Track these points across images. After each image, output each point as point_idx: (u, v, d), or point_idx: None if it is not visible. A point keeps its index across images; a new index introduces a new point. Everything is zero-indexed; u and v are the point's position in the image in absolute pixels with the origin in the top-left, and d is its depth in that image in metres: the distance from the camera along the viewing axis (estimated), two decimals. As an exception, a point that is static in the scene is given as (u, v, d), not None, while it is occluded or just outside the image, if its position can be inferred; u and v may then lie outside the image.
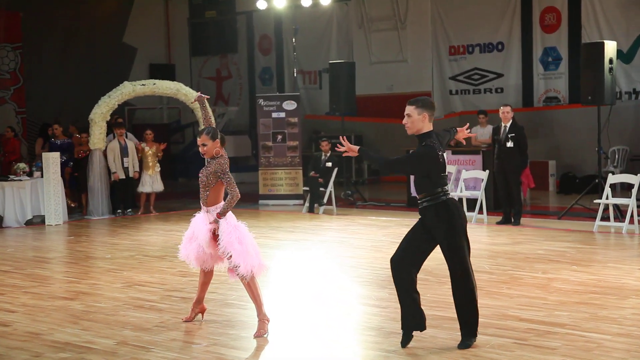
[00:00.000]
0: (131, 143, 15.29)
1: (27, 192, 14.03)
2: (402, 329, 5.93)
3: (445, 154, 5.94)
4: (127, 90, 15.24)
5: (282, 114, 16.82)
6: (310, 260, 10.09)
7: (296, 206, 16.26)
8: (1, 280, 9.01)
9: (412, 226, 5.94)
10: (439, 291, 7.84)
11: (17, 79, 19.87)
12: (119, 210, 15.19)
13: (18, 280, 8.98)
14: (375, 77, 21.04)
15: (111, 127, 15.29)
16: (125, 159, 15.05)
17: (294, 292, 8.16)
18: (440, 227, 5.75)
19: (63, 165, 14.66)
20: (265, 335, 6.32)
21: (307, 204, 15.20)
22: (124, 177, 15.06)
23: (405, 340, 5.92)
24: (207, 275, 6.85)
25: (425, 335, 6.22)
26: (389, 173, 6.48)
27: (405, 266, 5.82)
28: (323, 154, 15.42)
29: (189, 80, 23.35)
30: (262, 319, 6.43)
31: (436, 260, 9.48)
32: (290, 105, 16.86)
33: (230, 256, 6.43)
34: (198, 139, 6.61)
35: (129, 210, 15.29)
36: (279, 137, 16.86)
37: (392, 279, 8.27)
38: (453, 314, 6.88)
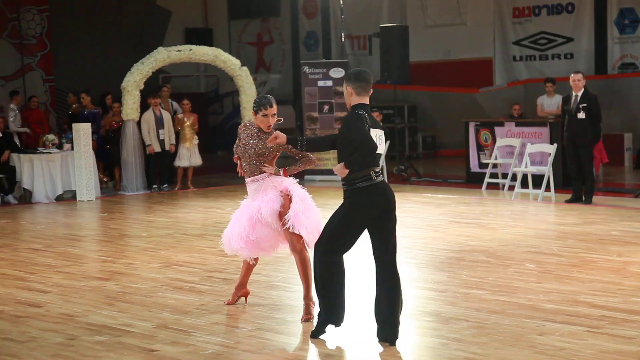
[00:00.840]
0: (167, 114, 15.44)
1: (57, 166, 14.28)
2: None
3: (380, 133, 5.75)
4: (162, 56, 15.37)
5: (329, 83, 16.82)
6: (360, 240, 10.09)
7: (344, 182, 16.28)
8: (32, 258, 9.23)
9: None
10: (502, 274, 7.82)
11: (44, 44, 20.10)
12: (154, 186, 15.39)
13: (50, 259, 9.18)
14: (430, 42, 20.89)
15: (145, 95, 15.44)
16: (160, 131, 15.22)
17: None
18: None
19: None
20: (312, 320, 6.38)
21: (356, 180, 15.18)
22: (159, 150, 15.23)
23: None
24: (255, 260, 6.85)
25: (488, 322, 6.23)
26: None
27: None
28: (374, 125, 15.37)
29: (227, 46, 23.43)
30: (309, 302, 6.48)
31: (500, 241, 9.46)
32: (337, 72, 16.84)
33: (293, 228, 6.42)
34: (269, 108, 6.57)
35: (165, 185, 15.48)
36: (326, 107, 16.87)
37: (450, 261, 8.28)
38: (517, 298, 6.88)
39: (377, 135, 5.76)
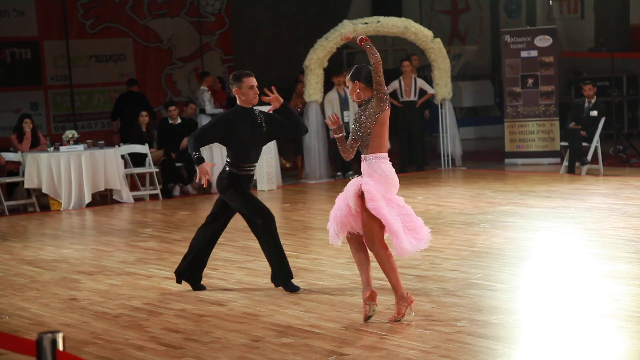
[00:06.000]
0: (353, 94, 15.66)
1: (237, 153, 14.79)
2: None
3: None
4: (347, 30, 15.56)
5: (534, 53, 16.49)
6: (572, 233, 9.90)
7: (552, 165, 15.96)
8: (214, 253, 9.56)
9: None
10: None
11: (222, 22, 20.83)
12: (339, 173, 15.67)
13: (231, 253, 9.57)
14: (654, 1, 20.00)
15: (329, 74, 15.71)
16: (345, 113, 15.45)
17: (551, 272, 8.06)
18: None
19: None
20: (401, 319, 6.54)
21: (566, 163, 14.88)
22: (343, 134, 15.45)
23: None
24: (361, 252, 6.73)
25: None
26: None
27: None
28: (586, 100, 14.98)
29: (418, 15, 23.41)
30: (399, 301, 6.59)
31: None
32: (543, 41, 16.48)
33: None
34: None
35: (350, 172, 15.70)
36: (530, 81, 16.56)
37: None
38: None
39: None
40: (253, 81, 7.56)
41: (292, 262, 8.88)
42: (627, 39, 16.25)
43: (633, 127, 19.80)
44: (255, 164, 7.79)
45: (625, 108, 19.72)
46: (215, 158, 14.72)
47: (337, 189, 14.29)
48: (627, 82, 19.80)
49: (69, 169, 13.63)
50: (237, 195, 7.63)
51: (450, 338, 6.12)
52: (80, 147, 13.91)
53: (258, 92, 7.59)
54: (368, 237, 6.57)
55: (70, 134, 14.08)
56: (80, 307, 7.56)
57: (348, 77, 6.78)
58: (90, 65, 19.26)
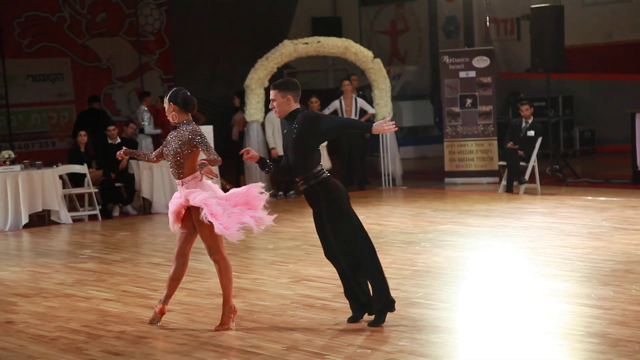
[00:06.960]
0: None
1: (178, 173, 14.70)
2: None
3: None
4: (288, 50, 15.60)
5: (472, 73, 16.68)
6: (510, 251, 10.00)
7: (491, 185, 16.11)
8: (154, 274, 9.55)
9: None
10: None
11: (162, 41, 20.74)
12: (280, 193, 15.65)
13: (172, 274, 9.45)
14: (589, 23, 20.38)
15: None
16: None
17: (491, 291, 8.12)
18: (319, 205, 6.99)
19: None
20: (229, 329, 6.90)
21: (504, 182, 15.03)
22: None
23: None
24: (184, 268, 7.41)
25: (662, 345, 6.03)
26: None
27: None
28: (523, 120, 15.17)
29: (358, 36, 23.58)
30: (227, 313, 7.02)
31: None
32: (481, 62, 16.68)
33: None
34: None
35: (292, 192, 15.71)
36: (469, 101, 16.73)
37: (616, 274, 8.10)
38: None
39: None
40: (271, 95, 7.00)
41: (234, 283, 8.83)
42: (562, 61, 16.49)
43: (569, 147, 20.12)
44: (298, 177, 7.27)
45: (561, 128, 20.05)
46: (155, 175, 14.63)
47: (278, 208, 14.34)
48: (563, 102, 20.14)
49: (5, 189, 13.40)
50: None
51: (391, 357, 6.12)
52: (17, 167, 13.69)
53: (274, 106, 7.01)
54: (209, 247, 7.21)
55: (6, 154, 13.85)
56: (17, 330, 7.41)
57: (166, 98, 7.02)
58: (27, 85, 19.02)
